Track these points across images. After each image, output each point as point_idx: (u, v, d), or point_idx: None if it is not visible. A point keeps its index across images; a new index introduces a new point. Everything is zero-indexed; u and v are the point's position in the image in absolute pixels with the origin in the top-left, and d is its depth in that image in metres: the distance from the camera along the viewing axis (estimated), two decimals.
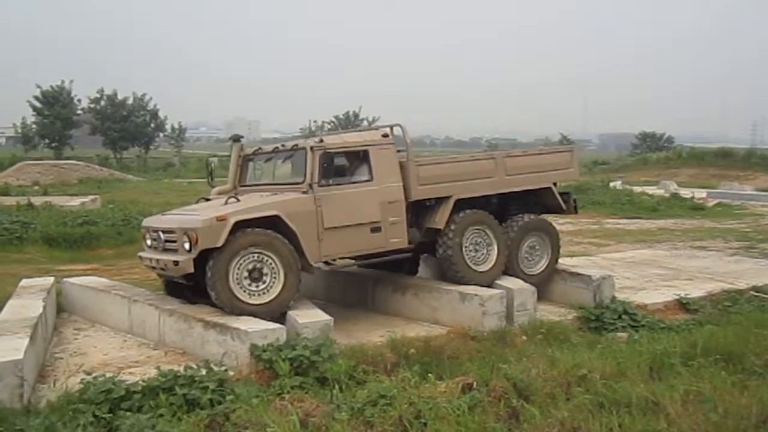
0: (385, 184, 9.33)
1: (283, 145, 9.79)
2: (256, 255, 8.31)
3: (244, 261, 8.26)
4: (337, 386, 6.38)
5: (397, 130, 9.82)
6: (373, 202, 9.21)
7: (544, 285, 10.59)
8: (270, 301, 8.37)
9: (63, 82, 58.30)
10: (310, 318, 8.10)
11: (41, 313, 8.43)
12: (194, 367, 6.75)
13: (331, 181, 8.97)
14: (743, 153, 50.52)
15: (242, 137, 10.47)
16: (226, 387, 6.41)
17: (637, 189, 32.32)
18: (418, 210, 9.90)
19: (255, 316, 8.09)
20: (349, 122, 67.77)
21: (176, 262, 8.30)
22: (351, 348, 7.83)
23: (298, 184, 8.99)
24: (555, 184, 11.00)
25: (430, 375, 6.53)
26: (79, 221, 17.24)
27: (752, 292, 11.25)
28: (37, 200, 22.27)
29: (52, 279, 10.92)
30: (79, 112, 60.19)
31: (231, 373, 6.93)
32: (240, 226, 8.23)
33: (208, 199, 9.84)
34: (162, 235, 8.74)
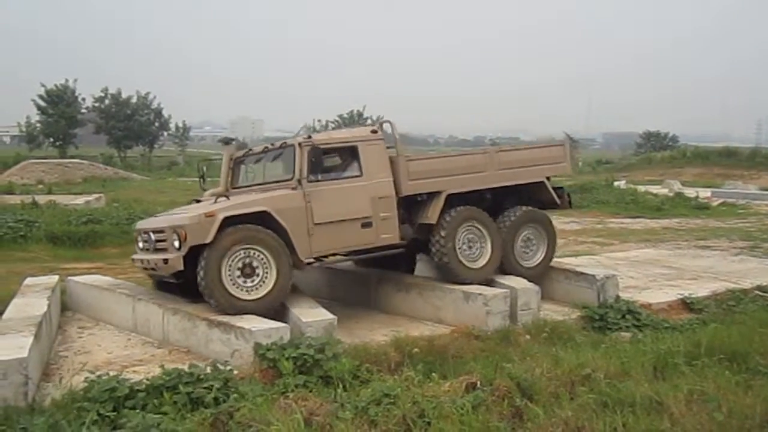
0: (375, 180, 9.34)
1: (272, 144, 9.82)
2: (246, 251, 8.31)
3: (236, 258, 8.26)
4: (341, 385, 6.37)
5: (386, 126, 9.87)
6: (363, 198, 9.22)
7: (545, 282, 10.54)
8: (263, 296, 8.37)
9: (67, 81, 58.56)
10: (313, 317, 8.11)
11: (46, 312, 8.45)
12: (198, 365, 6.77)
13: (320, 177, 9.00)
14: (748, 152, 50.38)
15: (233, 140, 10.55)
16: (231, 386, 6.43)
17: (642, 188, 32.29)
18: (410, 206, 9.88)
19: (249, 312, 8.11)
20: (353, 121, 67.73)
21: (166, 260, 8.34)
22: (355, 347, 7.84)
23: (287, 181, 9.01)
24: (548, 178, 10.95)
25: (433, 374, 6.52)
26: (83, 220, 17.29)
27: (757, 292, 11.24)
28: (42, 199, 22.35)
29: (56, 277, 10.96)
30: (83, 110, 60.41)
31: (235, 371, 6.94)
32: (229, 223, 8.23)
33: (199, 201, 9.88)
34: (152, 236, 8.80)
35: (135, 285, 10.32)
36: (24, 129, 60.71)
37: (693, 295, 10.86)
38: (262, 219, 8.49)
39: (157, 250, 8.72)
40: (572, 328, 9.26)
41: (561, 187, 11.29)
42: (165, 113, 64.99)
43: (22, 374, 6.32)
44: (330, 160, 9.27)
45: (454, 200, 9.91)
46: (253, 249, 8.36)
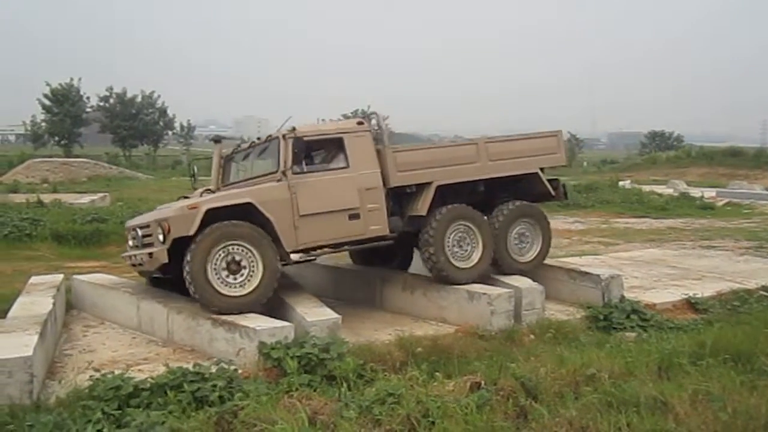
0: (361, 171, 9.27)
1: (258, 139, 9.82)
2: (231, 247, 8.26)
3: (220, 255, 8.22)
4: (345, 384, 6.37)
5: (373, 118, 9.87)
6: (350, 189, 9.16)
7: (549, 282, 10.47)
8: (251, 292, 8.32)
9: (72, 80, 58.66)
10: (318, 316, 8.11)
11: (51, 310, 8.47)
12: (203, 364, 6.78)
13: (305, 169, 8.97)
14: (753, 152, 50.28)
15: (223, 138, 10.54)
16: (235, 384, 6.43)
17: (646, 188, 32.22)
18: (400, 198, 9.83)
19: (235, 308, 8.11)
20: None
21: (151, 254, 8.35)
22: (359, 346, 7.84)
23: (274, 173, 8.99)
24: (542, 170, 10.79)
25: (438, 374, 6.52)
26: (88, 219, 17.32)
27: (762, 292, 11.19)
28: (47, 198, 22.42)
29: (61, 276, 10.97)
30: (88, 110, 60.52)
31: (239, 370, 6.95)
32: (213, 215, 8.20)
33: (188, 197, 9.89)
34: (139, 232, 8.84)
35: (139, 284, 10.33)
36: (29, 128, 60.89)
37: (698, 296, 10.83)
38: (247, 211, 8.44)
39: (144, 246, 8.74)
40: (577, 327, 9.24)
41: (556, 179, 11.13)
42: (170, 112, 65.19)
43: (28, 372, 6.33)
44: (316, 152, 9.25)
45: (445, 192, 9.82)
46: (237, 245, 8.29)
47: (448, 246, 9.68)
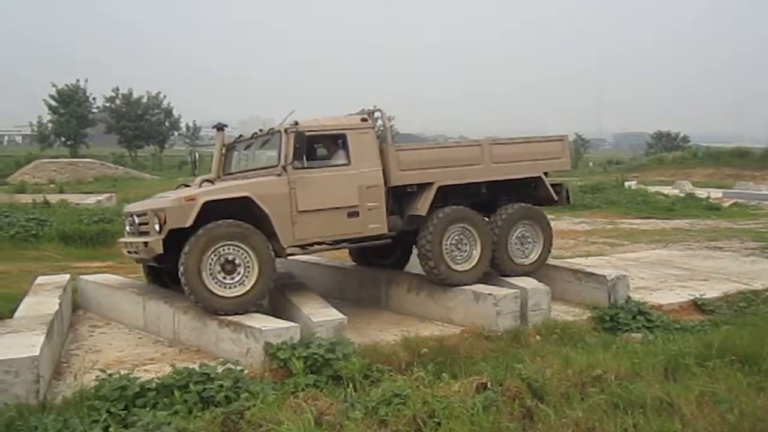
0: (363, 169, 9.18)
1: (261, 131, 9.76)
2: (225, 248, 8.20)
3: (214, 257, 8.16)
4: (351, 385, 6.37)
5: (377, 115, 9.79)
6: (351, 186, 9.08)
7: (555, 283, 10.43)
8: (244, 294, 8.26)
9: (78, 81, 58.82)
10: (324, 317, 8.11)
11: (57, 310, 8.50)
12: (209, 364, 6.79)
13: (306, 164, 8.89)
14: (759, 153, 50.09)
15: (226, 126, 10.41)
16: (241, 385, 6.44)
17: (652, 189, 32.13)
18: (401, 197, 9.75)
19: (233, 309, 8.09)
20: None
21: (146, 243, 8.31)
22: (365, 347, 7.84)
23: (274, 167, 8.92)
24: (546, 174, 10.70)
25: (444, 374, 6.51)
26: (94, 219, 17.40)
27: None
28: (53, 198, 22.50)
29: (67, 276, 11.01)
30: (94, 110, 60.65)
31: (245, 371, 6.95)
32: (210, 208, 8.14)
33: (187, 186, 9.86)
34: (136, 219, 8.79)
35: (145, 284, 10.35)
36: (36, 129, 61.08)
37: (704, 297, 10.78)
38: (245, 205, 8.40)
39: (140, 233, 8.69)
40: (583, 328, 9.22)
41: (560, 184, 11.05)
42: (175, 113, 65.30)
43: (34, 372, 6.35)
44: (317, 146, 9.19)
45: (447, 193, 9.76)
46: (230, 245, 8.23)
47: (446, 249, 9.60)
